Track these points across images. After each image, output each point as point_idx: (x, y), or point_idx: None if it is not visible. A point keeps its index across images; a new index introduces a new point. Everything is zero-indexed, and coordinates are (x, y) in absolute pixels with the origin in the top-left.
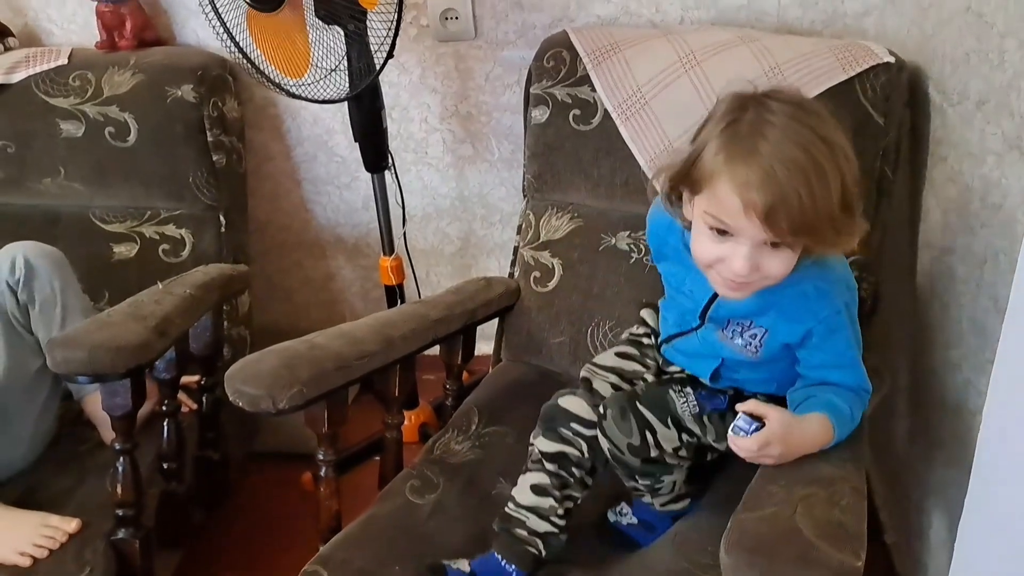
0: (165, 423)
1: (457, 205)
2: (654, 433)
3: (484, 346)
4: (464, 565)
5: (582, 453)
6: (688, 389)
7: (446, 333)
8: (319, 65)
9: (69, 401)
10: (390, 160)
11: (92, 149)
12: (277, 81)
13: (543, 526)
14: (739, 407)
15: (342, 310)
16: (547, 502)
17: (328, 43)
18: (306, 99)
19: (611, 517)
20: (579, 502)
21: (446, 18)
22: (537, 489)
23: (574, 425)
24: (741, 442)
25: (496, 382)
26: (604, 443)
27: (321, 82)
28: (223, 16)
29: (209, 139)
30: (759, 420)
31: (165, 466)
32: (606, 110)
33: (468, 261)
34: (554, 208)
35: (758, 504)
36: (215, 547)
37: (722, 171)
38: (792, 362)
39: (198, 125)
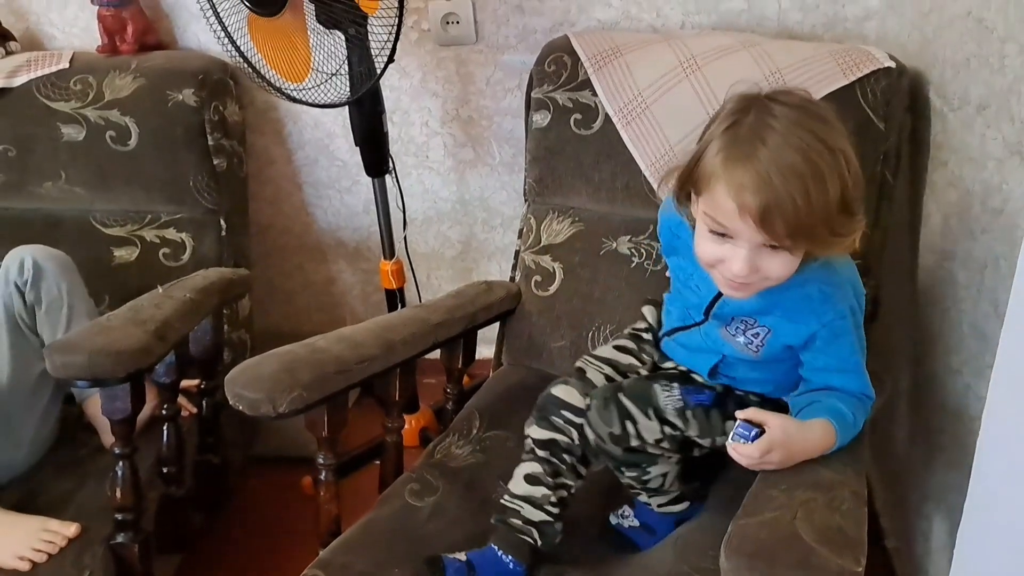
0: (165, 427)
1: (458, 209)
2: (635, 423)
3: (485, 350)
4: (462, 555)
5: (572, 440)
6: (675, 384)
7: (447, 337)
8: (320, 69)
9: (69, 405)
10: (391, 164)
11: (93, 153)
12: (278, 85)
13: (537, 515)
14: (739, 414)
15: (343, 314)
16: (540, 491)
17: (329, 47)
18: (307, 103)
19: (612, 520)
20: (573, 492)
21: (447, 22)
22: (530, 479)
23: (565, 413)
24: (742, 449)
25: (497, 386)
26: (589, 433)
27: (322, 86)
28: (224, 20)
29: (210, 143)
30: (759, 427)
31: (165, 470)
32: (607, 114)
33: (469, 265)
34: (555, 212)
35: (758, 509)
36: (215, 551)
37: (719, 173)
38: (791, 365)
39: (199, 129)
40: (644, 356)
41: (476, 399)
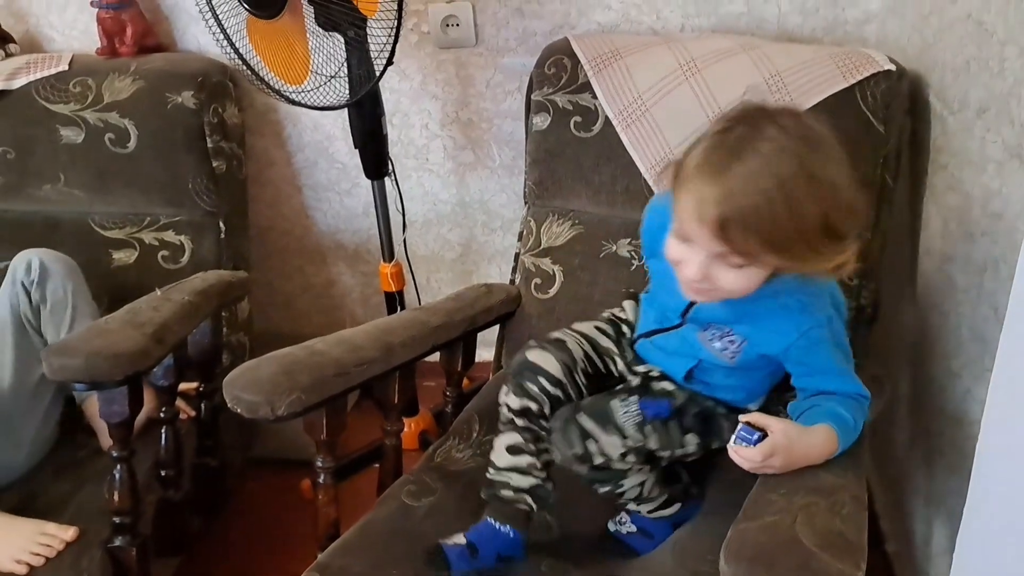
0: (163, 430)
1: (458, 211)
2: (596, 441)
3: (485, 353)
4: (460, 539)
5: (545, 410)
6: (633, 397)
7: (446, 340)
8: (319, 72)
9: (70, 408)
10: (390, 166)
11: (92, 155)
12: (277, 88)
13: (527, 481)
14: (741, 417)
15: (342, 316)
16: (524, 459)
17: (328, 50)
18: (306, 106)
19: (611, 527)
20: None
21: (447, 25)
22: (512, 449)
23: (541, 380)
24: (744, 452)
25: (497, 389)
26: (555, 454)
27: (321, 89)
28: (223, 23)
29: (209, 145)
30: (761, 430)
31: (163, 473)
32: (607, 117)
33: (469, 268)
34: (555, 215)
35: (758, 513)
36: (213, 554)
37: (692, 177)
38: (767, 373)
39: (198, 131)
40: (624, 348)
41: (476, 402)
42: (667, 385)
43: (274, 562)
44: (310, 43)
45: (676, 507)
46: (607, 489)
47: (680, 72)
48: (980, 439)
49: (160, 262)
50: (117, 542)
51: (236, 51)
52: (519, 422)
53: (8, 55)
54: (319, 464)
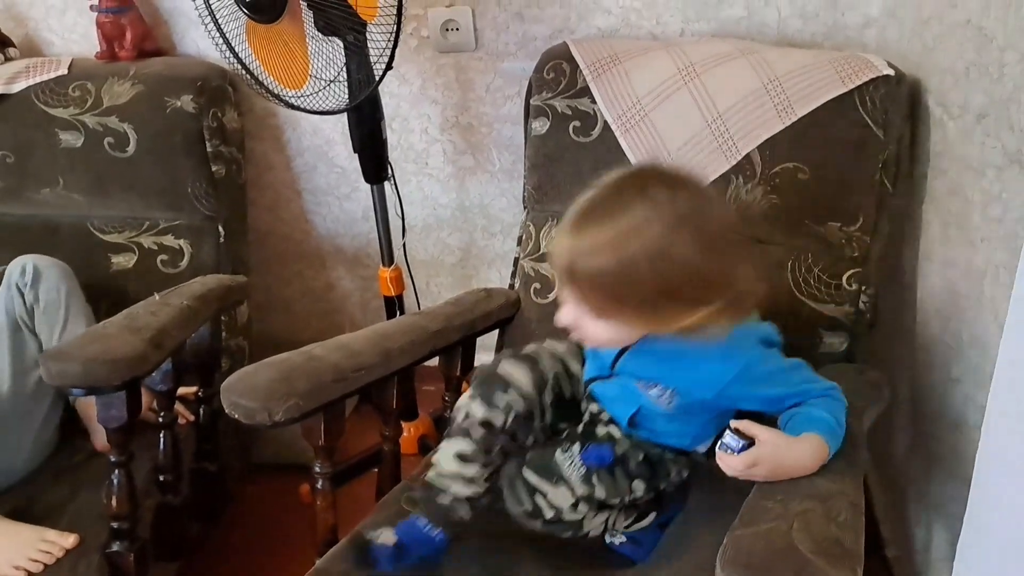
0: (162, 434)
1: (458, 216)
2: (544, 495)
3: (484, 357)
4: (390, 537)
5: (507, 423)
6: (575, 447)
7: (445, 345)
8: (318, 76)
9: (69, 412)
10: (390, 171)
11: (91, 159)
12: (276, 92)
13: (469, 490)
14: (731, 423)
15: (341, 321)
16: (472, 470)
17: (327, 54)
18: (305, 110)
19: (607, 538)
20: (501, 467)
21: (447, 29)
22: (462, 457)
23: (511, 392)
24: (728, 460)
25: None
26: (509, 508)
27: (320, 93)
28: (223, 27)
29: (208, 150)
30: (749, 439)
31: (161, 478)
32: (606, 122)
33: (469, 272)
34: (554, 219)
35: (754, 520)
36: (212, 559)
37: (562, 224)
38: (710, 418)
39: (197, 136)
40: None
41: None
42: (613, 430)
43: (273, 567)
44: (309, 47)
45: (652, 516)
46: (569, 534)
47: (679, 77)
48: (981, 445)
49: (159, 266)
50: (115, 547)
51: (235, 55)
52: (476, 433)
53: (7, 59)
54: (317, 469)
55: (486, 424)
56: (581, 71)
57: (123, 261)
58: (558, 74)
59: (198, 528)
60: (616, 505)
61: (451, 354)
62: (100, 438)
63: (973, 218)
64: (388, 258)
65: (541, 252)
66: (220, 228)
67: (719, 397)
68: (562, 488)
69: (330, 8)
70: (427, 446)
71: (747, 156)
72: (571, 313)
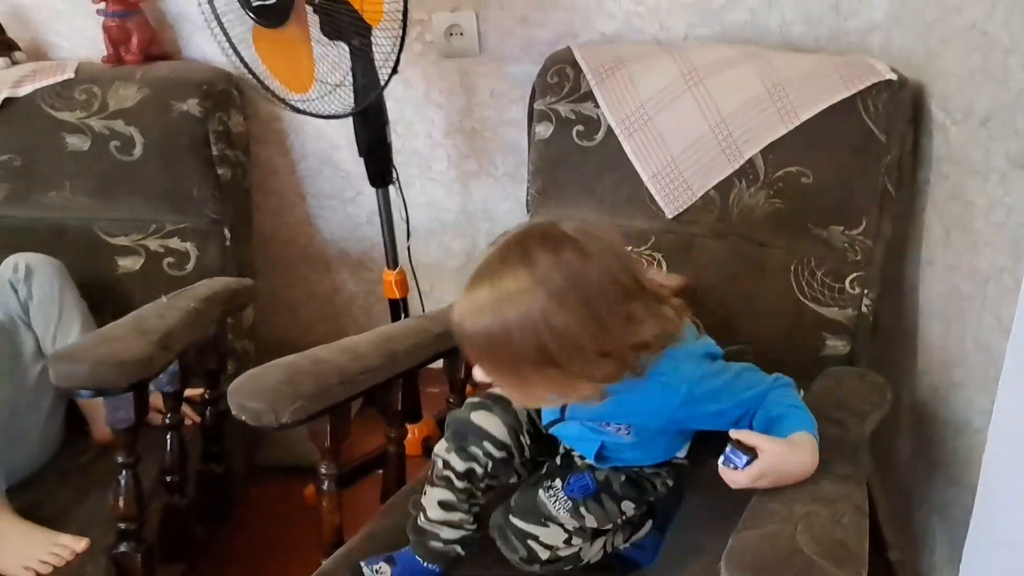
0: (168, 436)
1: (461, 220)
2: (536, 538)
3: None
4: (386, 571)
5: (487, 469)
6: (556, 483)
7: (448, 347)
8: (324, 80)
9: (74, 413)
10: (394, 175)
11: (97, 163)
12: (282, 96)
13: (457, 534)
14: (731, 434)
15: (346, 324)
16: (457, 516)
17: (333, 58)
18: (311, 114)
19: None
20: (486, 502)
21: (451, 34)
22: (445, 505)
23: (486, 444)
24: (732, 475)
25: None
26: (508, 557)
27: (326, 97)
28: (229, 31)
29: (214, 153)
30: (750, 451)
31: (168, 479)
32: (609, 126)
33: None
34: None
35: (759, 522)
36: (218, 561)
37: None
38: (672, 436)
39: (203, 139)
40: None
41: None
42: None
43: (278, 568)
44: (315, 52)
45: (649, 524)
46: (569, 567)
47: (683, 81)
48: (987, 449)
49: (165, 269)
50: (122, 548)
51: (241, 59)
52: (459, 484)
53: (14, 63)
54: (323, 471)
55: (467, 475)
56: (585, 76)
57: (129, 264)
58: (562, 78)
59: (204, 530)
60: (610, 530)
61: (455, 356)
62: (100, 428)
63: (976, 222)
64: (392, 261)
65: None
66: (226, 231)
67: (670, 423)
68: (552, 527)
69: (336, 12)
70: (431, 448)
71: (750, 160)
72: (480, 372)
